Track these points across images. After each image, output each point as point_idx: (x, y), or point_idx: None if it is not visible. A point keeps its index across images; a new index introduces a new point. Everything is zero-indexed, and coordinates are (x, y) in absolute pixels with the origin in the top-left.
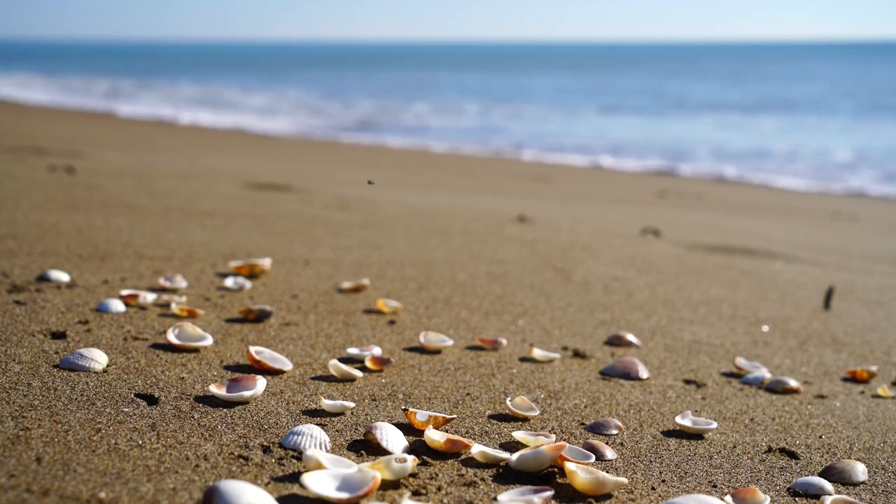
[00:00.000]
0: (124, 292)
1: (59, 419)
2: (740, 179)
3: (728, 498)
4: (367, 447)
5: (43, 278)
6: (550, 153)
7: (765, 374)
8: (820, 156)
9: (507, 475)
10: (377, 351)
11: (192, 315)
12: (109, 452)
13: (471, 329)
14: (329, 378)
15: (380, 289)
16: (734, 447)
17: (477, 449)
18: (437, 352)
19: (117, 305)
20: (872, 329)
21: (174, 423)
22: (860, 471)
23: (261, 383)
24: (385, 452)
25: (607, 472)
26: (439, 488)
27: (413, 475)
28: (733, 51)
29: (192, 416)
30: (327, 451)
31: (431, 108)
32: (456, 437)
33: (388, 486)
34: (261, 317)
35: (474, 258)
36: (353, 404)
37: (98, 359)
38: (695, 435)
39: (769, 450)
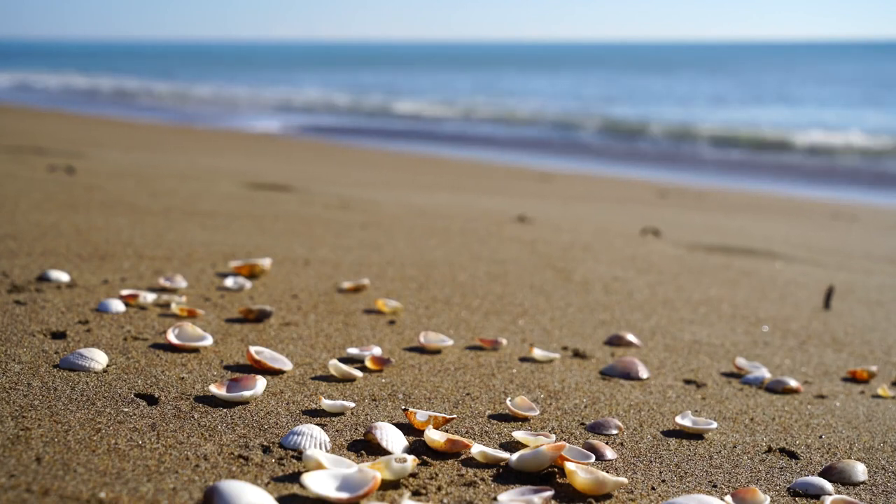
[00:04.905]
0: (124, 292)
1: (59, 419)
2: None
3: (728, 498)
4: (367, 447)
5: (43, 278)
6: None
7: (765, 374)
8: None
9: (507, 475)
10: (377, 351)
11: (192, 315)
12: (109, 452)
13: (471, 329)
14: (329, 378)
15: (380, 289)
16: (734, 447)
17: (477, 449)
18: (437, 352)
19: (117, 305)
20: (872, 329)
21: (174, 423)
22: (860, 471)
23: (261, 383)
24: (385, 452)
25: (607, 472)
26: (439, 488)
27: (413, 475)
28: (734, 51)
29: (192, 416)
30: (327, 451)
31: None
32: (456, 437)
33: (388, 486)
34: (261, 317)
35: (474, 258)
36: (353, 404)
37: (98, 359)
38: (695, 435)
39: (769, 450)
